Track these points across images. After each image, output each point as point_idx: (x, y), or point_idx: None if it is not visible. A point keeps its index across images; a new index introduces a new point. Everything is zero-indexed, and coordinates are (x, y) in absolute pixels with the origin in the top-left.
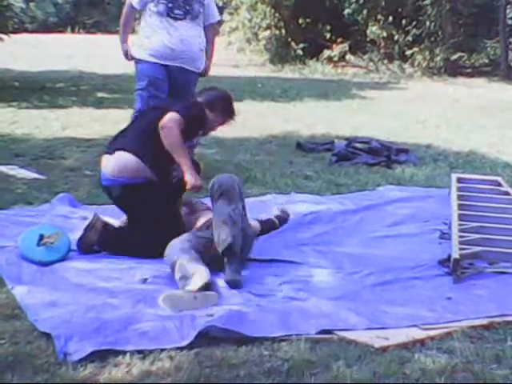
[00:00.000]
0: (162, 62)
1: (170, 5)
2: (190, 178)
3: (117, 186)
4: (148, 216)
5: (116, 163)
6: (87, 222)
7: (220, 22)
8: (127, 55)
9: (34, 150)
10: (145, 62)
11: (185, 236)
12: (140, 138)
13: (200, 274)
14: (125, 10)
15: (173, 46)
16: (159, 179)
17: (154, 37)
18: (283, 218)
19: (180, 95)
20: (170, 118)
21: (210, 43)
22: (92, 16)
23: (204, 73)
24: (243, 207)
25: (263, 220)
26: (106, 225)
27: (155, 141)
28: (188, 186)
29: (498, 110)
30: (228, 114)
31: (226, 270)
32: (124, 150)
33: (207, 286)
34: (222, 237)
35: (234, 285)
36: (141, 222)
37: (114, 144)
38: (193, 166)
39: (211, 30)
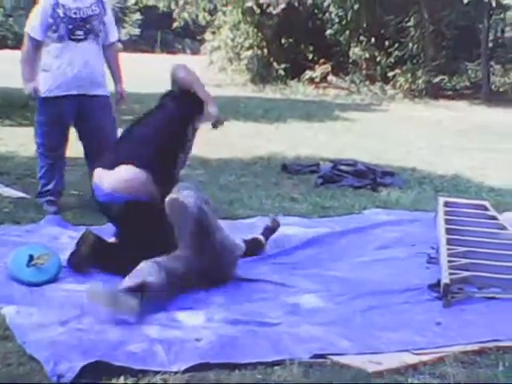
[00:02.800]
0: (68, 93)
1: (70, 26)
2: (213, 110)
3: (118, 202)
4: (146, 235)
5: (120, 177)
6: (79, 236)
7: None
8: (36, 92)
9: (18, 168)
10: (48, 96)
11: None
12: (147, 152)
13: (136, 276)
14: (27, 46)
15: (78, 72)
16: (162, 198)
17: (57, 66)
18: (271, 229)
19: (94, 122)
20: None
21: (114, 64)
22: None
23: (120, 98)
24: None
25: (248, 240)
26: (98, 238)
27: (164, 155)
28: (211, 119)
29: (480, 133)
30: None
31: None
32: (129, 163)
33: (137, 288)
34: None
35: None
36: (137, 241)
37: (112, 158)
38: None
39: (113, 50)
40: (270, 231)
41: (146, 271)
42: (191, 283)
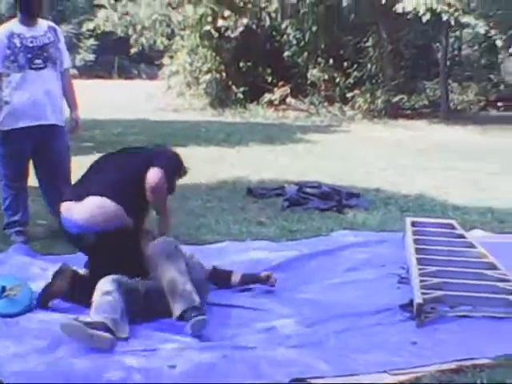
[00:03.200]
0: (31, 124)
1: (29, 55)
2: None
3: (92, 233)
4: (118, 263)
5: (92, 209)
6: (56, 270)
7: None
8: None
9: None
10: (9, 129)
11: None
12: (120, 185)
13: (102, 313)
14: None
15: (40, 102)
16: (135, 226)
17: (18, 97)
18: (258, 280)
19: (53, 152)
20: (159, 178)
21: (69, 90)
22: None
23: (75, 125)
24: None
25: (220, 269)
26: (76, 273)
27: (137, 191)
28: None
29: (439, 152)
30: (182, 169)
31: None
32: (101, 195)
33: (102, 326)
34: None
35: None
36: (109, 270)
37: (80, 190)
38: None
39: (67, 76)
40: (254, 280)
41: (105, 304)
42: (155, 307)
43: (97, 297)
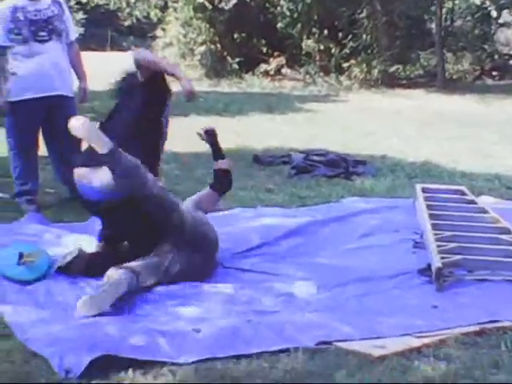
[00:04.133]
0: (38, 95)
1: (33, 28)
2: (186, 83)
3: (108, 199)
4: (134, 227)
5: (109, 175)
6: (73, 255)
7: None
8: (5, 105)
9: None
10: (18, 100)
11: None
12: (127, 144)
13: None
14: None
15: (47, 74)
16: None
17: (25, 68)
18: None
19: (63, 122)
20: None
21: (77, 62)
22: None
23: (84, 95)
24: None
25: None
26: (92, 255)
27: (143, 145)
28: (185, 92)
29: (442, 121)
30: None
31: None
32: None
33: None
34: None
35: None
36: (123, 236)
37: (94, 155)
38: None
39: (75, 48)
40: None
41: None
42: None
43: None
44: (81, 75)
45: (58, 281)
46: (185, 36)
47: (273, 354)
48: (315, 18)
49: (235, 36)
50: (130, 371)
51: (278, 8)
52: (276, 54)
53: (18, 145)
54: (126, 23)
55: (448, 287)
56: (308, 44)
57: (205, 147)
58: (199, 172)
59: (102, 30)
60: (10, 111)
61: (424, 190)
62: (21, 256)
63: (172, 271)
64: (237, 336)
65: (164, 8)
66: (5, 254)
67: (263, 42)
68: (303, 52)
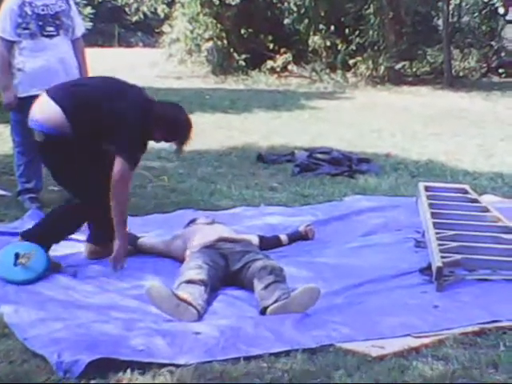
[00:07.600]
0: (42, 91)
1: (41, 23)
2: (118, 250)
3: (38, 131)
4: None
5: (43, 110)
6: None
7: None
8: (15, 100)
9: None
10: (26, 97)
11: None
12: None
13: (189, 290)
14: (0, 50)
15: (53, 69)
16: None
17: (32, 64)
18: (301, 236)
19: None
20: (122, 175)
21: (82, 59)
22: None
23: None
24: None
25: (268, 237)
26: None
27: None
28: (111, 259)
29: (448, 118)
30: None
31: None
32: (61, 106)
33: (188, 302)
34: None
35: None
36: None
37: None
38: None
39: (80, 44)
40: (298, 237)
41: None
42: None
43: (188, 270)
44: (84, 72)
45: (57, 281)
46: (192, 32)
47: (271, 353)
48: (322, 13)
49: (242, 32)
50: (129, 371)
51: (286, 4)
52: (282, 50)
53: (22, 142)
54: (134, 19)
55: (449, 287)
56: (314, 40)
57: (208, 146)
58: (203, 170)
59: (110, 26)
60: (16, 106)
61: (427, 189)
62: (17, 257)
63: None
64: (237, 336)
65: (171, 3)
66: (3, 254)
67: (270, 38)
68: (310, 49)
